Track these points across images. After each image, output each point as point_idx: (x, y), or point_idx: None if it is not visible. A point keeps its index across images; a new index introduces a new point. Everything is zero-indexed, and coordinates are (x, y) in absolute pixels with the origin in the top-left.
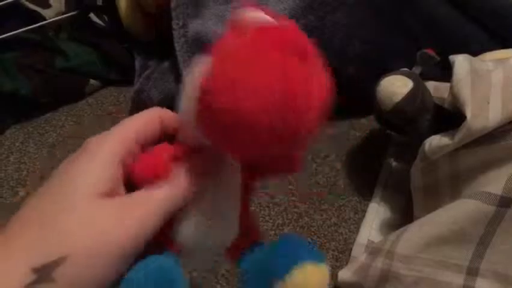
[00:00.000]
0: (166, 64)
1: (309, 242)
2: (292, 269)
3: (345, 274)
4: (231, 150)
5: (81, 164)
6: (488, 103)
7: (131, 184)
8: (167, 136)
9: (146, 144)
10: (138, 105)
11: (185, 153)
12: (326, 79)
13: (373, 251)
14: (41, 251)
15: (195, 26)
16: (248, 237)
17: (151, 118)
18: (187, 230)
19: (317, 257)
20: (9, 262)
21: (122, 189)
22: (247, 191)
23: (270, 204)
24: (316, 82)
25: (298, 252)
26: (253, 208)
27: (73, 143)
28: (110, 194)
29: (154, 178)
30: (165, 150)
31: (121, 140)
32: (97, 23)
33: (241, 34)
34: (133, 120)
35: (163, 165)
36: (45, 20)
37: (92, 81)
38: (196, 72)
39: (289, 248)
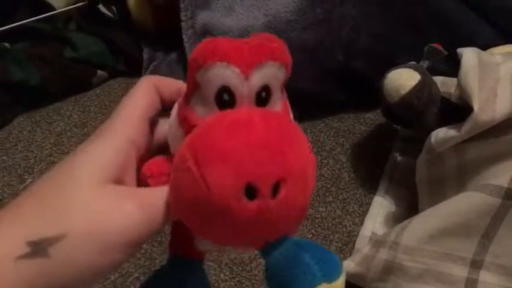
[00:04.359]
0: (173, 55)
1: (330, 252)
2: None
3: (348, 265)
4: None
5: (90, 148)
6: (496, 96)
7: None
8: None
9: (152, 118)
10: None
11: None
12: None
13: (377, 243)
14: (39, 227)
15: (203, 17)
16: None
17: (149, 91)
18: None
19: (333, 272)
20: (3, 234)
21: (132, 177)
22: None
23: None
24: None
25: (316, 272)
26: None
27: (79, 132)
28: (118, 180)
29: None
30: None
31: (132, 122)
32: (105, 13)
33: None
34: (136, 98)
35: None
36: (54, 10)
37: (100, 72)
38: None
39: (307, 265)
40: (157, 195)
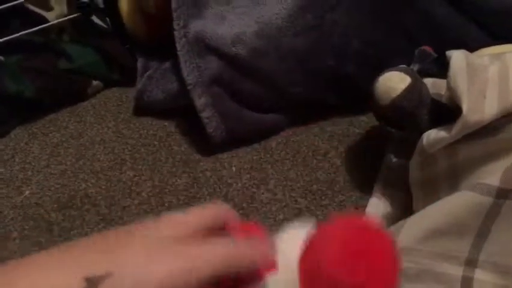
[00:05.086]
0: (167, 64)
1: None
2: None
3: None
4: None
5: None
6: (485, 97)
7: None
8: None
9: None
10: (141, 105)
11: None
12: None
13: None
14: (92, 265)
15: (196, 25)
16: None
17: (218, 211)
18: None
19: None
20: (63, 267)
21: None
22: None
23: (271, 201)
24: None
25: None
26: (255, 205)
27: (76, 143)
28: None
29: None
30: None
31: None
32: (99, 24)
33: None
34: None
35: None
36: (48, 22)
37: (94, 82)
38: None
39: None
40: (203, 249)
